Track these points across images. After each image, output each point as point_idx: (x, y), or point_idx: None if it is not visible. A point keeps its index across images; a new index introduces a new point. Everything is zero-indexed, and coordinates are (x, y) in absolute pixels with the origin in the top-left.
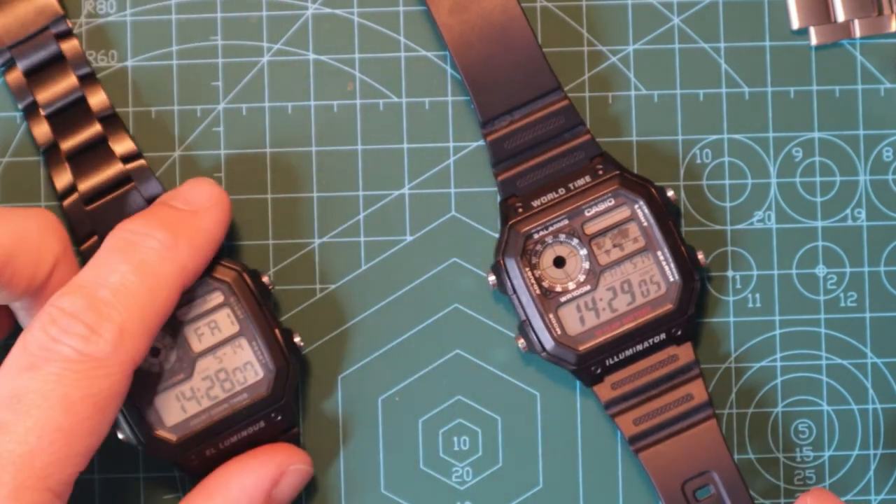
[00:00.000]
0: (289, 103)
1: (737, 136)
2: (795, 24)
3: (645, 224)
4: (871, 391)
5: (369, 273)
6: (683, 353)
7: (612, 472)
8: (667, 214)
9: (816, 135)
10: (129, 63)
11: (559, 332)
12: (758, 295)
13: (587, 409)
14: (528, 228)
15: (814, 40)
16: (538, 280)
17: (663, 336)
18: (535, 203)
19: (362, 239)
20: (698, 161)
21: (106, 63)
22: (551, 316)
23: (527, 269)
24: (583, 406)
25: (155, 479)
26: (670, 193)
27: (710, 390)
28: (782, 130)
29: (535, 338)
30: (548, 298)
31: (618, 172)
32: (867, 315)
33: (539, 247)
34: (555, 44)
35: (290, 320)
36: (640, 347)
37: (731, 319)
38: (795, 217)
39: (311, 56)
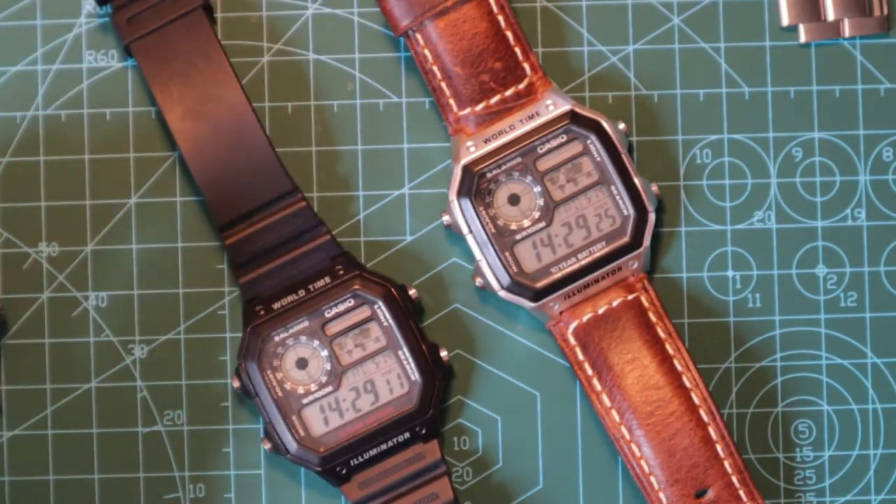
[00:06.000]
0: (289, 103)
1: (737, 136)
2: (785, 20)
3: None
4: (871, 391)
5: None
6: (430, 451)
7: (612, 472)
8: (408, 313)
9: (816, 135)
10: (129, 63)
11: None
12: (758, 295)
13: (587, 409)
14: (269, 331)
15: (802, 38)
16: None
17: (408, 435)
18: (276, 305)
19: (362, 239)
20: (698, 161)
21: (106, 63)
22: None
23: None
24: (583, 406)
25: (155, 479)
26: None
27: (710, 390)
28: (782, 130)
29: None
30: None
31: (358, 272)
32: (867, 315)
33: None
34: (555, 44)
35: None
36: (384, 447)
37: (731, 319)
38: (795, 217)
39: (311, 56)
